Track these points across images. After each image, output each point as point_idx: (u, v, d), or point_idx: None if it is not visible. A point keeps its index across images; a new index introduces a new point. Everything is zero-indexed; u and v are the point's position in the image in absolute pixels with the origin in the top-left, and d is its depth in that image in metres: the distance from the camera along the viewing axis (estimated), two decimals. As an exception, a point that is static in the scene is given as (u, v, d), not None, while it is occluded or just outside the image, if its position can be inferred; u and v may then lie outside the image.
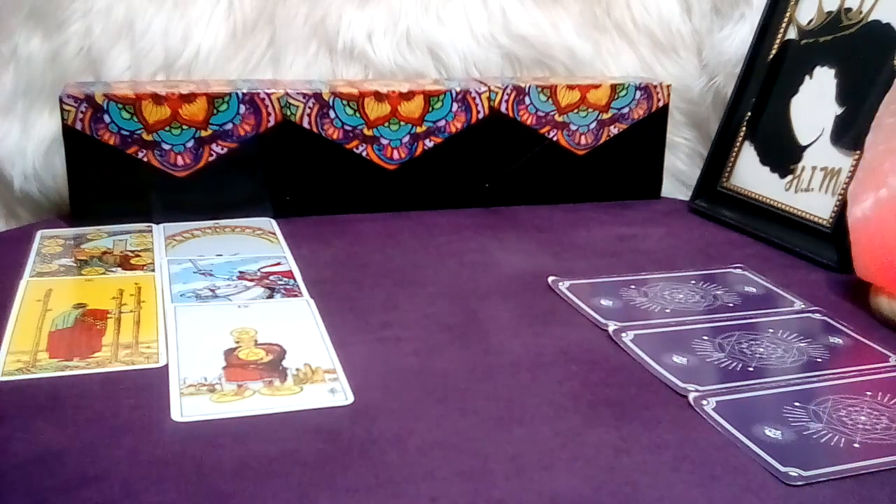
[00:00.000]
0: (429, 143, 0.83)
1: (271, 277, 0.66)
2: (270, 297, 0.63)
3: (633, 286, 0.67)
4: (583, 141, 0.87)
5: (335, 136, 0.80)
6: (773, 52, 0.84)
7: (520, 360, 0.55)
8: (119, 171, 0.76)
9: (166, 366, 0.52)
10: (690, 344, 0.58)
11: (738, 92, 0.86)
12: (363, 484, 0.42)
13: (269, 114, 0.78)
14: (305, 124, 0.79)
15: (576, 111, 0.86)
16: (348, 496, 0.41)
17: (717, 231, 0.82)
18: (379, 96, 0.80)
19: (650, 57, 0.93)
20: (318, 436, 0.46)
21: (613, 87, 0.87)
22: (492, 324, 0.60)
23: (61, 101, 0.73)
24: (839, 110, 0.76)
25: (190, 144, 0.77)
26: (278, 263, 0.69)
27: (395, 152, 0.82)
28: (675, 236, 0.80)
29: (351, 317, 0.60)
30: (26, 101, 0.81)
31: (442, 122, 0.82)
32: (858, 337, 0.60)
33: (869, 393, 0.52)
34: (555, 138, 0.86)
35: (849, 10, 0.78)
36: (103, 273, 0.66)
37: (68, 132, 0.74)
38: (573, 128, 0.87)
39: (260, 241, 0.74)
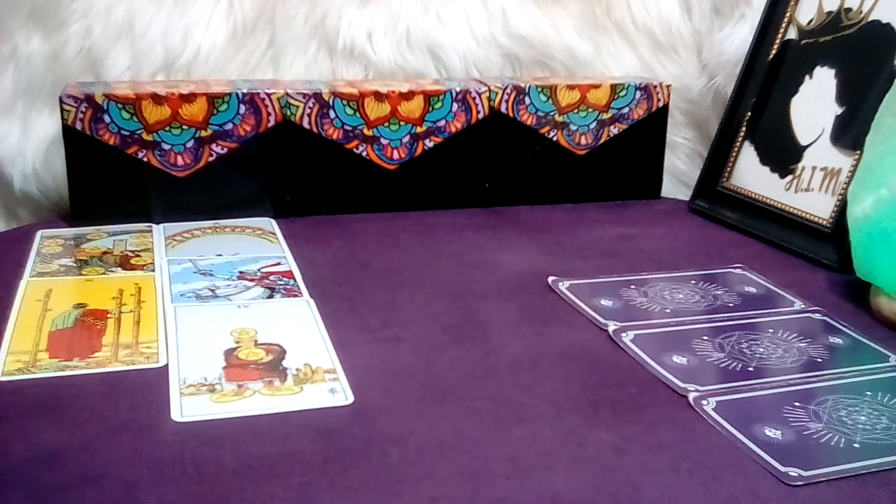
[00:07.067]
0: (429, 143, 0.83)
1: (271, 277, 0.66)
2: (270, 297, 0.63)
3: (633, 286, 0.67)
4: (583, 141, 0.87)
5: (335, 136, 0.80)
6: (773, 52, 0.84)
7: (520, 360, 0.55)
8: (119, 171, 0.76)
9: (166, 366, 0.52)
10: (690, 344, 0.58)
11: (738, 92, 0.86)
12: (363, 484, 0.42)
13: (269, 114, 0.78)
14: (305, 124, 0.79)
15: (576, 111, 0.86)
16: (348, 496, 0.41)
17: (717, 231, 0.82)
18: (379, 96, 0.80)
19: (650, 57, 0.93)
20: (318, 436, 0.46)
21: (613, 87, 0.87)
22: (492, 324, 0.60)
23: (61, 101, 0.73)
24: (839, 110, 0.76)
25: (190, 144, 0.77)
26: (278, 263, 0.69)
27: (395, 152, 0.82)
28: (675, 236, 0.80)
29: (351, 317, 0.60)
30: (26, 101, 0.81)
31: (442, 122, 0.82)
32: (858, 337, 0.60)
33: (869, 393, 0.52)
34: (555, 138, 0.86)
35: (849, 10, 0.78)
36: (103, 273, 0.66)
37: (68, 132, 0.74)
38: (573, 128, 0.87)
39: (260, 241, 0.74)
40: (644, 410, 0.50)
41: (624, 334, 0.58)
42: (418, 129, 0.82)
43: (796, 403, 0.50)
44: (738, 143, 0.85)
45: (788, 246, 0.76)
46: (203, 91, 0.76)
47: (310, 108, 0.78)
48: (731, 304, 0.64)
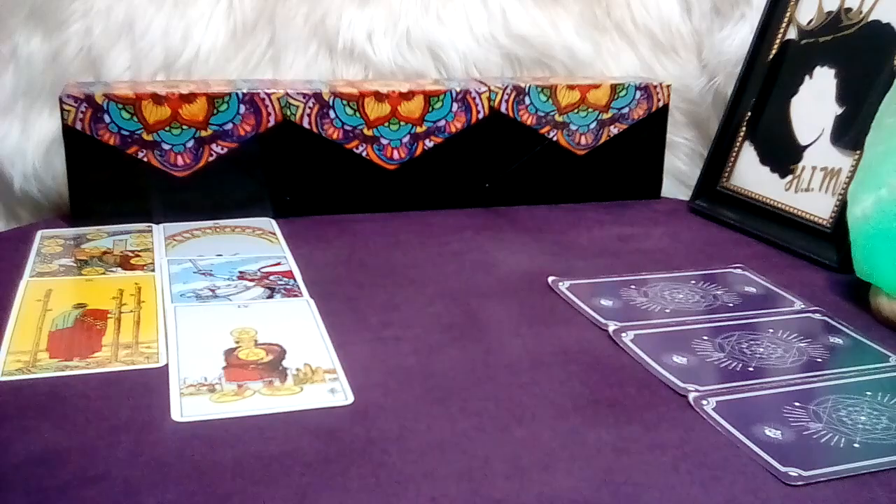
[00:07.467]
0: (429, 143, 0.83)
1: (271, 277, 0.66)
2: (270, 297, 0.63)
3: (633, 286, 0.67)
4: (583, 141, 0.87)
5: (335, 136, 0.80)
6: (773, 52, 0.84)
7: (520, 360, 0.55)
8: (119, 171, 0.76)
9: (166, 366, 0.52)
10: (690, 344, 0.58)
11: (738, 92, 0.86)
12: (363, 484, 0.42)
13: (269, 114, 0.78)
14: (305, 124, 0.79)
15: (576, 111, 0.86)
16: (348, 496, 0.41)
17: (717, 231, 0.82)
18: (379, 96, 0.80)
19: (650, 57, 0.93)
20: (318, 436, 0.46)
21: (613, 87, 0.87)
22: (492, 324, 0.60)
23: (61, 101, 0.73)
24: (839, 110, 0.76)
25: (190, 144, 0.77)
26: (278, 263, 0.69)
27: (395, 152, 0.82)
28: (675, 236, 0.80)
29: (351, 317, 0.60)
30: (26, 101, 0.81)
31: (442, 122, 0.82)
32: (858, 337, 0.60)
33: (869, 393, 0.52)
34: (555, 138, 0.86)
35: (849, 10, 0.78)
36: (103, 273, 0.66)
37: (68, 132, 0.74)
38: (573, 128, 0.87)
39: (260, 241, 0.74)
40: (644, 410, 0.50)
41: (624, 334, 0.58)
42: (418, 129, 0.82)
43: (796, 403, 0.50)
44: (738, 143, 0.85)
45: (788, 246, 0.76)
46: (203, 91, 0.76)
47: (310, 108, 0.78)
48: (731, 304, 0.64)
